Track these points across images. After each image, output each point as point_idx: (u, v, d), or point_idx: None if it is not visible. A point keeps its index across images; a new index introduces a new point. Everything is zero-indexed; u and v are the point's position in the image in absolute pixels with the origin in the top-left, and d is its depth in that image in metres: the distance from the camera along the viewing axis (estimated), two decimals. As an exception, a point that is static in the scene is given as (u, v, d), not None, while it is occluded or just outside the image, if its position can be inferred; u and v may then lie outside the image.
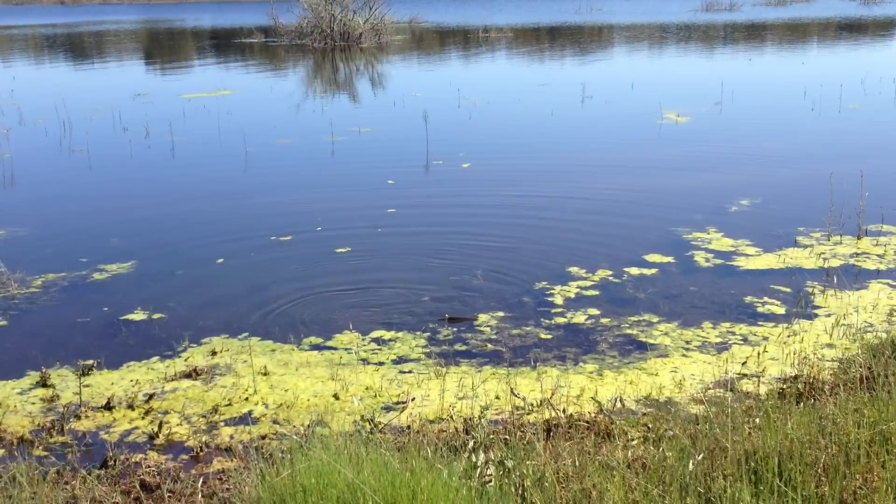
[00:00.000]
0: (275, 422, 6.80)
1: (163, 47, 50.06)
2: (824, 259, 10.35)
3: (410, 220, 12.50)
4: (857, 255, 10.48)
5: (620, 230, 11.79)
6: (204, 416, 6.90)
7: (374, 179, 15.05)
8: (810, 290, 9.37)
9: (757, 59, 34.68)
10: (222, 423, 6.81)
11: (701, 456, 5.35)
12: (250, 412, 6.98)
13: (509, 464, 5.09)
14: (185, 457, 6.37)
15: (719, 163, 15.95)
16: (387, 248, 11.26)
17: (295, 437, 6.33)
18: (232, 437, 6.59)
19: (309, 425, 6.63)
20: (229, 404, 7.09)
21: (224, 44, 48.63)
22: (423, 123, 18.67)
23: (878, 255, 10.43)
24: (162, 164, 17.20)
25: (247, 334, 8.55)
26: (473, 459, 5.12)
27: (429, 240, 11.59)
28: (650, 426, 6.34)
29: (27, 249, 11.47)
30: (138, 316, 9.08)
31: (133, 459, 6.30)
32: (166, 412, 7.01)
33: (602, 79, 28.72)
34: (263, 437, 6.55)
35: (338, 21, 42.89)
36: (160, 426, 6.68)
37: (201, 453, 6.35)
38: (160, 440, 6.59)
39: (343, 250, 11.10)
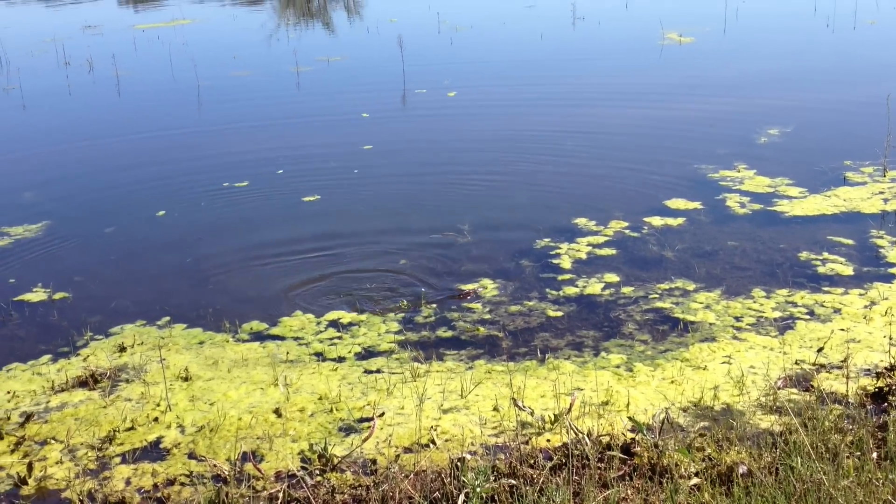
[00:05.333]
0: (191, 455, 4.92)
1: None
2: (885, 200, 8.49)
3: (388, 161, 10.59)
4: (925, 194, 8.63)
5: (633, 170, 9.83)
6: (94, 448, 5.01)
7: (347, 113, 13.03)
8: (877, 241, 7.54)
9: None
10: (118, 460, 4.91)
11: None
12: (159, 440, 5.09)
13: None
14: (58, 517, 4.53)
15: (737, 87, 13.90)
16: (360, 196, 9.43)
17: (213, 484, 4.51)
18: (129, 482, 4.72)
19: (236, 463, 4.77)
20: (132, 428, 5.20)
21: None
22: (399, 51, 16.57)
23: (950, 195, 8.59)
24: (104, 102, 15.13)
25: (168, 319, 6.62)
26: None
27: (408, 185, 9.76)
28: (712, 457, 4.52)
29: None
30: (36, 296, 7.16)
31: (-15, 522, 4.47)
32: (45, 442, 5.12)
33: (591, -2, 26.43)
34: (172, 483, 4.68)
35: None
36: (30, 467, 4.81)
37: (82, 511, 4.51)
38: (29, 488, 4.72)
39: (310, 199, 9.23)
